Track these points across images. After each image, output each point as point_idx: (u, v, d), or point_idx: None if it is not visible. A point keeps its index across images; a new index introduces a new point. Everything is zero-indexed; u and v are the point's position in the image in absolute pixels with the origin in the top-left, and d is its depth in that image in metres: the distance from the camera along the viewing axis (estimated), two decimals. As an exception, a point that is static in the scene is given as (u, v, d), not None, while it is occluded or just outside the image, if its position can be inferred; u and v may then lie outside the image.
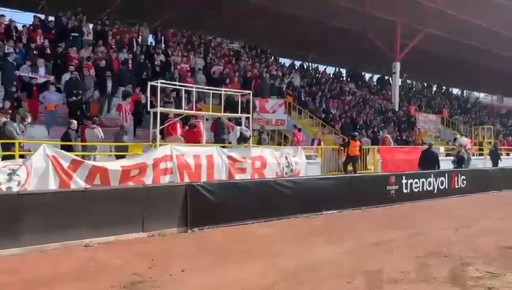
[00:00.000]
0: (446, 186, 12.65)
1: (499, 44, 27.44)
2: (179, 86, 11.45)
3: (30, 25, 15.55)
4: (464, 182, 13.35)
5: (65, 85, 12.50)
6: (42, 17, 17.81)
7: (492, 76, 34.47)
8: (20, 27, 15.28)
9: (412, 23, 23.53)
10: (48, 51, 13.93)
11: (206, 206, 7.45)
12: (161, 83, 10.05)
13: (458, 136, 18.72)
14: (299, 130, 16.06)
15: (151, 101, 10.98)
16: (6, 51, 12.47)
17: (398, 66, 24.62)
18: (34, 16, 15.99)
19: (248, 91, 12.32)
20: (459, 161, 14.57)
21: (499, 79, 35.11)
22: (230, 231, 7.41)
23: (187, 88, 10.97)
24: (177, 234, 7.06)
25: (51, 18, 17.26)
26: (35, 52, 13.56)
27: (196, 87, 11.32)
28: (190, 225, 7.22)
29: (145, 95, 12.03)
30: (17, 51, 13.31)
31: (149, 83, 10.20)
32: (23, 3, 17.43)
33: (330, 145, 15.71)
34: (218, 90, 11.56)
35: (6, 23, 14.92)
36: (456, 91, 39.72)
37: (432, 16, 23.02)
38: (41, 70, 12.67)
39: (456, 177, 13.14)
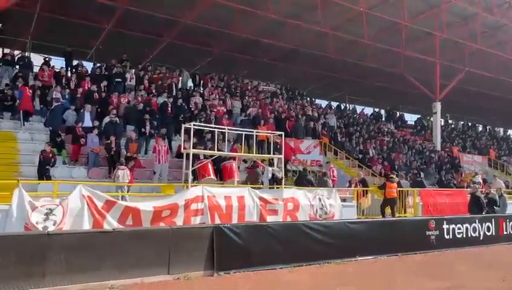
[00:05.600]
0: (493, 233, 11.80)
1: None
2: (212, 127, 11.68)
3: (78, 72, 16.67)
4: (514, 228, 12.42)
5: (104, 128, 13.09)
6: (90, 64, 19.12)
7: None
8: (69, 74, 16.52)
9: (451, 63, 23.15)
10: (94, 96, 14.76)
11: (233, 249, 7.33)
12: (194, 125, 10.30)
13: (479, 178, 17.61)
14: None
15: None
16: (54, 96, 13.34)
17: (438, 106, 24.05)
18: (78, 64, 17.11)
19: (280, 132, 12.34)
20: (490, 203, 13.27)
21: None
22: (258, 276, 7.20)
23: (219, 129, 11.15)
24: (202, 277, 6.95)
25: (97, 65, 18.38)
26: (80, 97, 14.38)
27: (228, 129, 11.47)
28: (216, 268, 7.10)
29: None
30: (66, 96, 14.22)
31: (183, 126, 10.48)
32: (74, 53, 18.78)
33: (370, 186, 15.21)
34: (249, 131, 11.68)
35: (57, 70, 16.16)
36: (503, 131, 37.91)
37: (471, 55, 22.53)
38: (87, 115, 13.36)
39: (504, 223, 12.26)
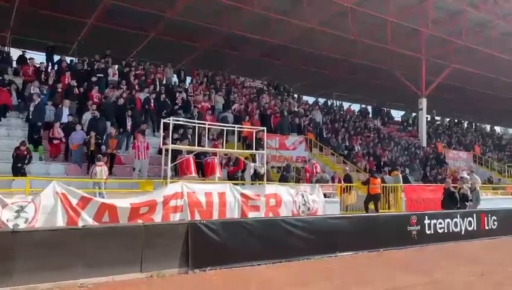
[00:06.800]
0: (475, 228, 11.82)
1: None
2: (192, 123, 11.51)
3: (58, 67, 16.34)
4: (495, 223, 12.46)
5: (88, 124, 12.83)
6: (71, 59, 18.74)
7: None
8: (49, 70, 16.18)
9: (437, 60, 23.21)
10: (74, 91, 14.47)
11: (209, 246, 7.19)
12: (173, 120, 10.12)
13: (465, 173, 17.70)
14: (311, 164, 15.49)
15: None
16: (32, 91, 13.03)
17: (424, 102, 24.10)
18: (61, 59, 16.78)
19: (262, 128, 12.20)
20: (461, 199, 13.13)
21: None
22: (234, 274, 7.08)
23: (200, 125, 10.98)
24: (177, 275, 6.80)
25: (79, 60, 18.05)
26: (60, 93, 14.07)
27: (208, 124, 11.30)
28: (191, 265, 6.96)
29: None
30: (44, 92, 13.90)
31: (162, 121, 10.29)
32: (55, 47, 18.41)
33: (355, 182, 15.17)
34: (231, 126, 11.53)
35: (37, 65, 15.80)
36: (489, 128, 38.33)
37: (457, 51, 22.61)
38: (66, 111, 13.09)
39: (486, 218, 12.29)
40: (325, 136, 19.99)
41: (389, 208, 14.34)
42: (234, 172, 12.92)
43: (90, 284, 6.00)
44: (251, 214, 10.53)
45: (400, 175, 15.96)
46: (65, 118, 12.77)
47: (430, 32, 20.95)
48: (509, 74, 25.81)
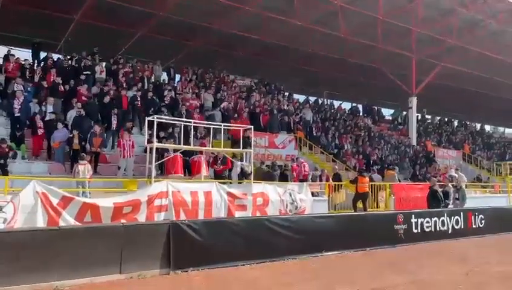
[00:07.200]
0: (462, 226, 11.82)
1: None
2: (175, 121, 11.36)
3: (44, 64, 16.10)
4: (483, 221, 12.48)
5: (72, 122, 12.62)
6: (58, 57, 18.44)
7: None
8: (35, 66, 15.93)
9: (427, 58, 23.25)
10: (60, 89, 14.23)
11: (191, 246, 7.07)
12: (157, 118, 9.97)
13: (453, 171, 17.79)
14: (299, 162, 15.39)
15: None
16: (15, 89, 12.78)
17: (414, 101, 24.16)
18: (47, 56, 16.53)
19: (250, 126, 12.08)
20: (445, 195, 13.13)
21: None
22: (217, 274, 6.96)
23: (186, 123, 10.83)
24: (158, 276, 6.67)
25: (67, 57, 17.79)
26: (45, 90, 13.84)
27: (194, 122, 11.15)
28: (173, 266, 6.83)
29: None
30: (28, 89, 13.66)
31: (147, 119, 10.13)
32: (42, 44, 18.14)
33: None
34: (217, 125, 11.39)
35: (22, 62, 15.52)
36: (479, 126, 38.52)
37: (447, 50, 22.66)
38: (49, 108, 12.86)
39: (473, 217, 12.30)
40: (315, 134, 19.91)
41: (377, 207, 14.32)
42: (223, 171, 12.78)
43: (67, 287, 5.84)
44: (238, 214, 10.41)
45: (396, 175, 15.97)
46: (49, 116, 12.54)
47: (420, 31, 20.97)
48: (500, 73, 25.91)
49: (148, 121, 10.03)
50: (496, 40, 22.51)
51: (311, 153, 18.71)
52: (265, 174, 12.66)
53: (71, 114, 13.00)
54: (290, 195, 11.78)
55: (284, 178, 12.93)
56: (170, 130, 13.53)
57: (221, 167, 12.27)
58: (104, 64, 17.56)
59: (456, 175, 16.92)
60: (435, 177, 14.58)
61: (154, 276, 6.62)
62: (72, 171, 10.76)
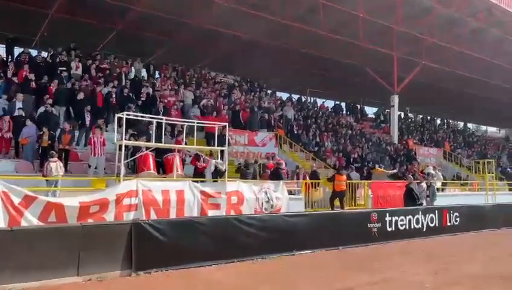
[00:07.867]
0: (436, 224, 11.85)
1: (500, 76, 27.05)
2: (145, 118, 11.12)
3: (17, 59, 15.68)
4: (457, 219, 12.54)
5: (38, 118, 12.30)
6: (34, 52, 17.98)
7: (496, 109, 33.98)
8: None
9: (409, 57, 23.32)
10: (31, 85, 13.87)
11: (154, 246, 6.88)
12: (126, 114, 9.73)
13: (431, 169, 17.96)
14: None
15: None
16: (-17, 85, 12.42)
17: (396, 99, 24.21)
18: (23, 52, 16.11)
19: (224, 123, 11.91)
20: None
21: (502, 112, 34.59)
22: (180, 275, 6.79)
23: (158, 120, 10.59)
24: (119, 278, 6.47)
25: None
26: (16, 86, 13.46)
27: (166, 119, 10.94)
28: (135, 267, 6.64)
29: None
30: (-1, 85, 13.30)
31: (116, 115, 9.88)
32: (16, 39, 17.66)
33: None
34: (191, 122, 11.17)
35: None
36: (462, 125, 38.99)
37: (428, 48, 22.75)
38: (18, 105, 12.50)
39: (448, 214, 12.34)
40: (295, 132, 19.81)
41: (355, 205, 14.28)
42: (204, 169, 12.55)
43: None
44: (211, 213, 10.24)
45: (386, 172, 16.00)
46: (18, 113, 12.19)
47: (401, 30, 21.00)
48: (481, 72, 26.14)
49: (118, 117, 9.78)
50: (475, 38, 22.69)
51: (291, 151, 18.60)
52: (238, 171, 12.54)
53: (40, 110, 12.66)
54: (266, 193, 11.65)
55: (277, 177, 12.77)
56: (144, 128, 13.26)
57: (204, 164, 12.08)
58: (78, 60, 17.17)
59: (434, 173, 17.01)
60: (411, 175, 14.57)
61: (114, 278, 6.41)
62: (41, 169, 10.46)
